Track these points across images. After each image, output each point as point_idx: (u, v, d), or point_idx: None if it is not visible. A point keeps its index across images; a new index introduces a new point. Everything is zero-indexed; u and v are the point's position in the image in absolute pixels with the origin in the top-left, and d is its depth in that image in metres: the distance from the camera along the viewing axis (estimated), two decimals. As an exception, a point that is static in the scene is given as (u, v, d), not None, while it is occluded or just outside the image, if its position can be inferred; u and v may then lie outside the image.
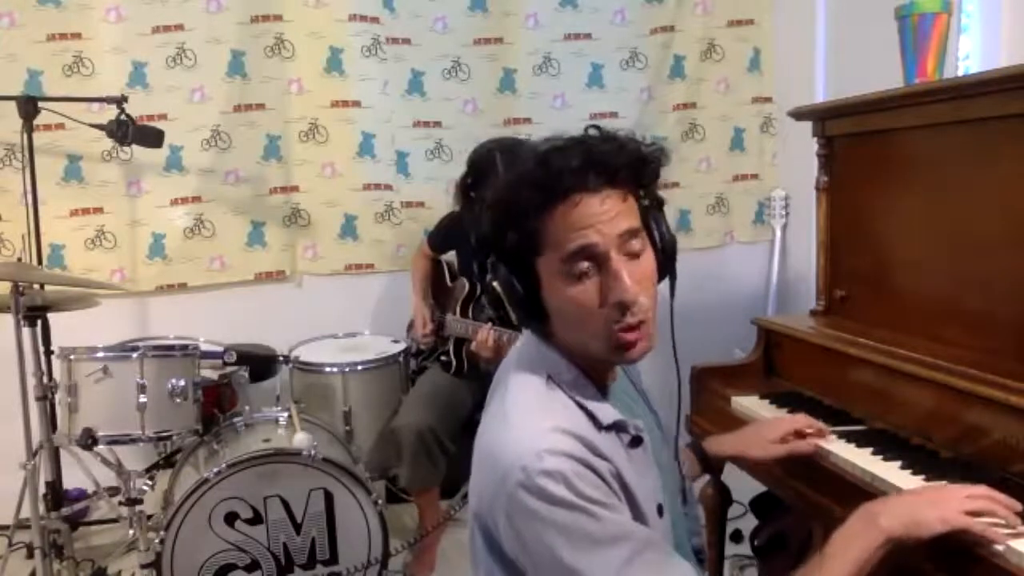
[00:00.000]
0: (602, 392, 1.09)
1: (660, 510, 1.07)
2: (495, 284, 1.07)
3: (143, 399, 2.15)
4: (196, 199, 3.06)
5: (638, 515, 1.02)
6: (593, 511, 0.94)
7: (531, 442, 0.96)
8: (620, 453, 1.03)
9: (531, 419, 1.01)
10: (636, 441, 1.06)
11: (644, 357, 1.04)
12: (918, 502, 1.11)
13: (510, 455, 0.97)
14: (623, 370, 1.21)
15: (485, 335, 2.38)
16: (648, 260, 1.03)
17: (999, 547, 1.05)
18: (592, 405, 1.04)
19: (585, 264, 1.00)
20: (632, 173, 1.03)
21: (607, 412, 1.04)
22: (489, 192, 1.08)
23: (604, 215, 0.99)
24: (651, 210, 1.06)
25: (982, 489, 1.11)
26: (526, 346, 1.13)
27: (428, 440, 2.44)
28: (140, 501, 2.13)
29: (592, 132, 1.06)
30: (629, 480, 1.01)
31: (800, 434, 1.45)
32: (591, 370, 1.08)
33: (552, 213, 1.00)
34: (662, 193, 1.10)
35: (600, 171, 1.00)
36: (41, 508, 2.23)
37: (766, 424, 1.54)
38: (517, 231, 1.02)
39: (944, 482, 1.22)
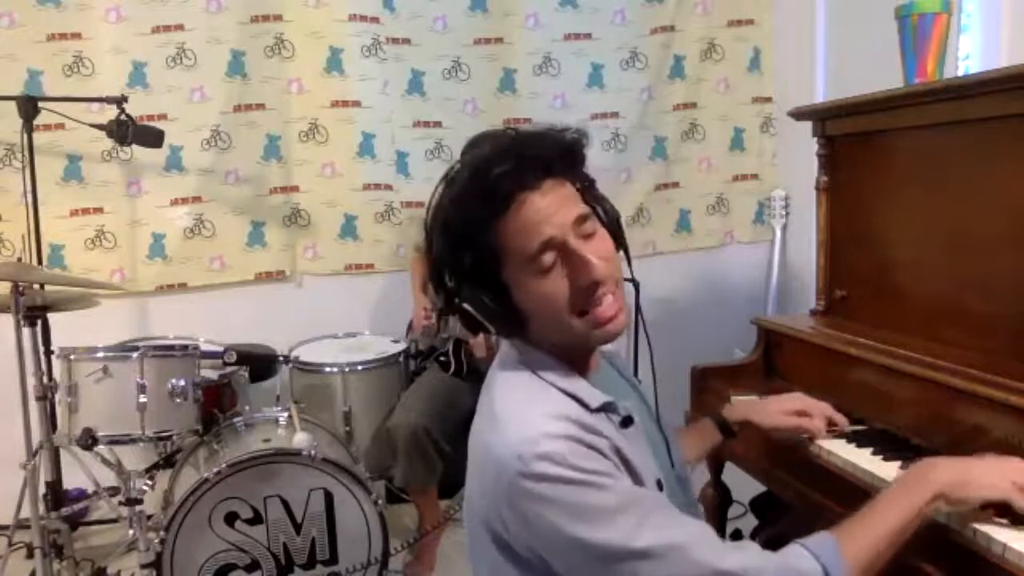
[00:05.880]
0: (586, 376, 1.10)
1: (660, 485, 1.08)
2: (465, 305, 1.06)
3: (143, 399, 2.15)
4: (196, 199, 3.06)
5: (640, 486, 1.02)
6: (596, 482, 0.95)
7: (524, 431, 0.97)
8: (614, 432, 1.04)
9: (521, 411, 1.02)
10: (627, 421, 1.07)
11: (623, 330, 1.07)
12: (974, 464, 1.11)
13: (506, 448, 0.97)
14: (608, 361, 1.23)
15: (480, 337, 2.41)
16: (604, 237, 1.07)
17: (998, 548, 1.06)
18: (580, 391, 1.05)
19: (550, 256, 1.02)
20: (563, 161, 1.06)
21: (595, 395, 1.05)
22: (436, 215, 1.08)
23: (551, 207, 1.02)
24: (589, 191, 1.09)
25: None
26: (505, 351, 1.14)
27: (422, 439, 2.43)
28: (140, 501, 2.13)
29: (510, 131, 1.09)
30: (628, 454, 1.03)
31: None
32: (573, 362, 1.10)
33: (503, 221, 1.01)
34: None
35: (534, 167, 1.02)
36: (41, 508, 2.23)
37: (785, 397, 1.52)
38: (473, 249, 1.03)
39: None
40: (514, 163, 1.01)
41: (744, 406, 1.49)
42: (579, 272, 1.02)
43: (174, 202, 3.05)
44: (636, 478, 1.03)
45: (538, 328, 1.07)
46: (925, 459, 1.14)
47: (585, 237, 1.04)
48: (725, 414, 1.46)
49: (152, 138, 2.65)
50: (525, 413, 1.01)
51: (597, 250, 1.03)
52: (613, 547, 0.94)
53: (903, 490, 1.07)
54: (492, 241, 1.02)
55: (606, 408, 1.05)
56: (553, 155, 1.04)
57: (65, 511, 2.35)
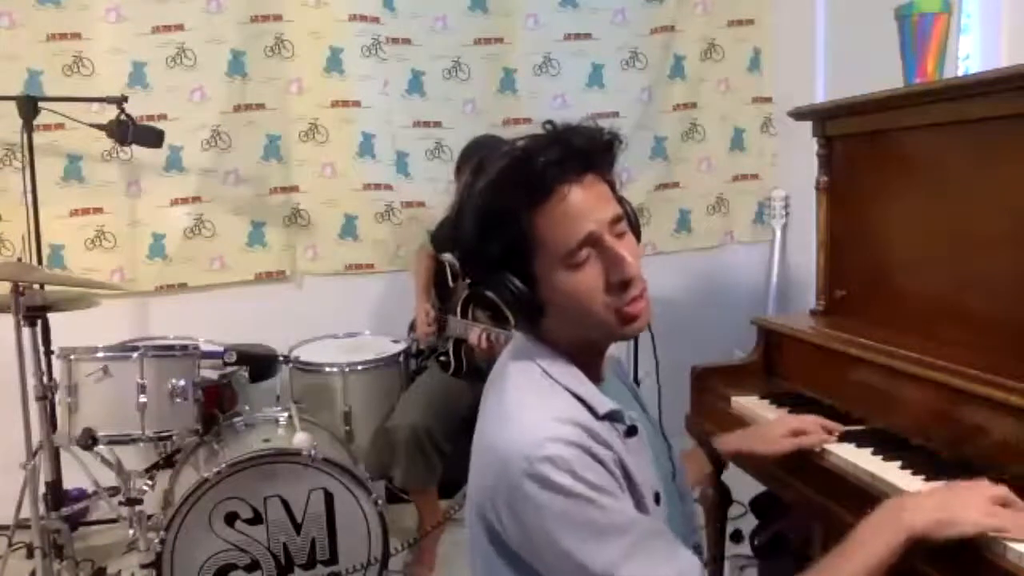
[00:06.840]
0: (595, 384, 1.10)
1: (657, 498, 1.08)
2: (489, 292, 1.06)
3: (143, 399, 2.15)
4: (196, 199, 3.06)
5: (639, 502, 1.02)
6: (597, 499, 0.95)
7: (532, 432, 0.97)
8: (618, 442, 1.03)
9: (530, 411, 1.01)
10: (631, 431, 1.06)
11: (644, 330, 1.07)
12: (949, 498, 1.09)
13: (512, 446, 0.97)
14: (612, 368, 1.22)
15: (477, 335, 2.41)
16: (631, 237, 1.08)
17: (998, 548, 1.05)
18: (588, 395, 1.04)
19: (586, 252, 1.02)
20: (604, 157, 1.06)
21: (603, 401, 1.05)
22: (466, 202, 1.07)
23: (593, 202, 1.02)
24: (616, 192, 1.09)
25: (1003, 490, 1.10)
26: (518, 345, 1.13)
27: (423, 439, 2.43)
28: (140, 501, 2.14)
29: (547, 127, 1.08)
30: (630, 467, 1.02)
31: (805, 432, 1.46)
32: (583, 364, 1.09)
33: (542, 210, 1.01)
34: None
35: (579, 159, 1.02)
36: (41, 508, 2.23)
37: (775, 421, 1.55)
38: (508, 234, 1.02)
39: (958, 480, 1.19)
40: (560, 153, 1.01)
41: (738, 439, 1.48)
42: (614, 268, 1.02)
43: (174, 202, 3.05)
44: (636, 492, 1.02)
45: (557, 322, 1.07)
46: (895, 498, 1.12)
47: (618, 236, 1.04)
48: (717, 447, 1.46)
49: (152, 138, 2.65)
50: (534, 413, 1.00)
51: (629, 248, 1.04)
52: (596, 570, 0.94)
53: (876, 533, 1.05)
54: (527, 229, 1.02)
55: (612, 416, 1.05)
56: (596, 149, 1.05)
57: (65, 511, 2.34)
